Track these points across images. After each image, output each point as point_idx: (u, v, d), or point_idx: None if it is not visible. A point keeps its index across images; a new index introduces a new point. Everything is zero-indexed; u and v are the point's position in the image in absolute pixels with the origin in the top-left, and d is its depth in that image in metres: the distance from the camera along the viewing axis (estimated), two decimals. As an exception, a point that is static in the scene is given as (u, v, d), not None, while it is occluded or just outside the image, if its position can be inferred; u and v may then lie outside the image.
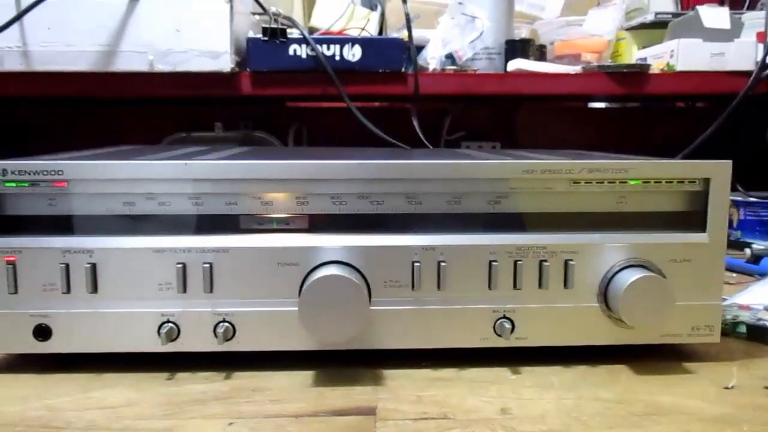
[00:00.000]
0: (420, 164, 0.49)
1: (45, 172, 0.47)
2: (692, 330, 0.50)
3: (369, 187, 0.49)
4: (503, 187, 0.50)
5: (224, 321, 0.48)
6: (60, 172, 0.47)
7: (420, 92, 0.97)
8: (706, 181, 0.50)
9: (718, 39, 0.99)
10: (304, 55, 0.93)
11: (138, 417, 0.42)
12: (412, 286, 0.49)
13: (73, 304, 0.48)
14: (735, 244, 0.91)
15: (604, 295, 0.49)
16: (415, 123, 0.99)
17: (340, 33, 1.04)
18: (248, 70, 0.94)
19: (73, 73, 0.89)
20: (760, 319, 0.56)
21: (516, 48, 1.04)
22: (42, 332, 0.48)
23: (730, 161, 0.50)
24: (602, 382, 0.47)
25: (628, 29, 1.15)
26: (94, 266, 0.47)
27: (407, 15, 0.97)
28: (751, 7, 1.21)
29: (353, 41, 0.95)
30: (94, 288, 0.48)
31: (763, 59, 0.94)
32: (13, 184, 0.48)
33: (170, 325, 0.48)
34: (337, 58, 0.94)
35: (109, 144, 0.78)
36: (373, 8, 1.11)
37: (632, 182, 0.50)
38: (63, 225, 0.48)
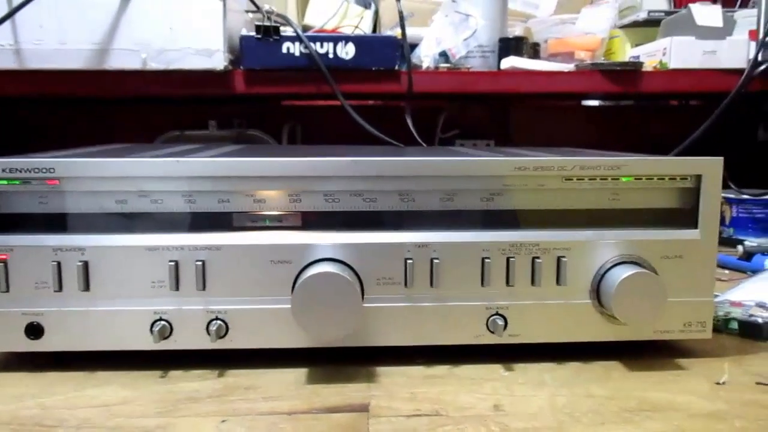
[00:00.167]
0: (413, 161, 0.49)
1: (37, 170, 0.47)
2: (684, 326, 0.51)
3: (362, 184, 0.49)
4: (496, 184, 0.50)
5: (217, 319, 0.48)
6: (52, 170, 0.47)
7: (414, 90, 0.96)
8: (698, 178, 0.50)
9: (711, 37, 1.00)
10: (297, 53, 0.93)
11: (131, 415, 0.42)
12: (405, 284, 0.49)
13: (65, 302, 0.48)
14: (727, 241, 0.92)
15: (597, 291, 0.49)
16: (409, 121, 0.99)
17: (333, 31, 1.04)
18: (242, 68, 0.94)
19: (66, 71, 0.89)
20: (751, 316, 0.57)
21: (510, 46, 1.04)
22: (34, 330, 0.48)
23: (722, 158, 0.50)
24: (595, 379, 0.48)
25: (621, 27, 1.15)
26: (86, 264, 0.47)
27: (401, 13, 0.96)
28: (744, 5, 1.22)
29: (347, 39, 0.94)
30: (87, 286, 0.47)
31: (755, 57, 0.94)
32: (5, 182, 0.47)
33: (163, 323, 0.48)
34: (331, 56, 0.94)
35: (108, 143, 0.78)
36: (366, 6, 1.11)
37: (624, 179, 0.50)
38: (55, 223, 0.48)
